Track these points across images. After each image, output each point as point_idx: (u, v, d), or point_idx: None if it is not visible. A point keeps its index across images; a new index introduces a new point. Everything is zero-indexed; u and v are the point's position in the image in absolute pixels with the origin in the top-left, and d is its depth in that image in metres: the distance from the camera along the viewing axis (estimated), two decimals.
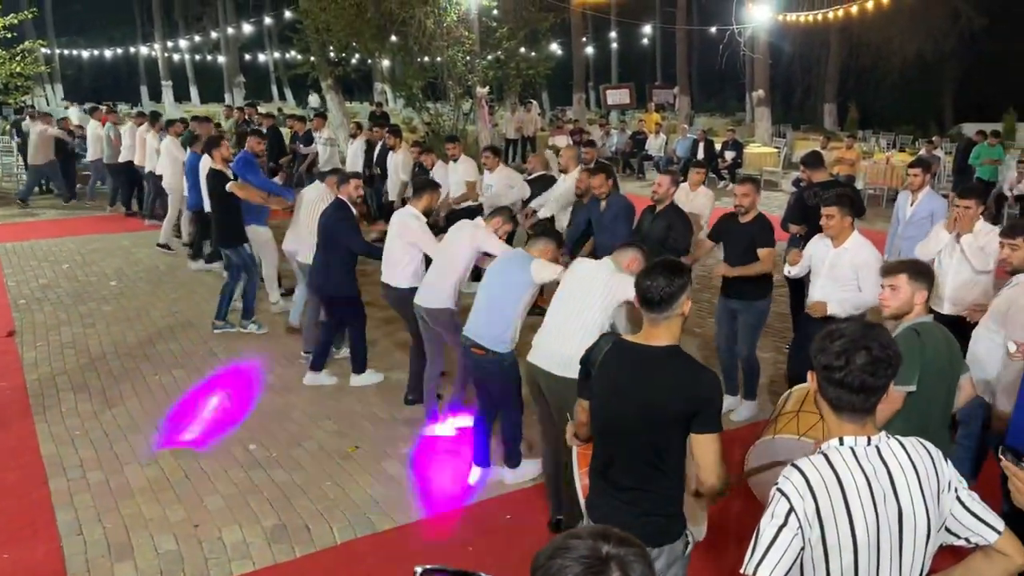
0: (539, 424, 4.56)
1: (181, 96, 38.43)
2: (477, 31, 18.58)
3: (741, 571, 1.97)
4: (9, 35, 19.33)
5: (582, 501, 3.14)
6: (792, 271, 5.54)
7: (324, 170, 12.76)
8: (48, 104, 31.74)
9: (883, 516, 1.96)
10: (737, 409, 5.90)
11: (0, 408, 6.02)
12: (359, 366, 6.50)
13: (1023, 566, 2.07)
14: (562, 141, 17.91)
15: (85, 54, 33.28)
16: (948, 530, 2.05)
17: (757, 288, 5.71)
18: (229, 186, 7.41)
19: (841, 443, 2.03)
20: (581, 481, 3.23)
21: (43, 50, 23.93)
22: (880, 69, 29.79)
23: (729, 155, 17.98)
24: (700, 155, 18.09)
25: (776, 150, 20.07)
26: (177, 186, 10.61)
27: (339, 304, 6.35)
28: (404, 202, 7.60)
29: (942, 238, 5.51)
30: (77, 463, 5.19)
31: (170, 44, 35.20)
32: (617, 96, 29.76)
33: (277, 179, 9.21)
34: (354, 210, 6.35)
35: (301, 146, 13.78)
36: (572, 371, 3.22)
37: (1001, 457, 2.39)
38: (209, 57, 38.83)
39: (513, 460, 4.99)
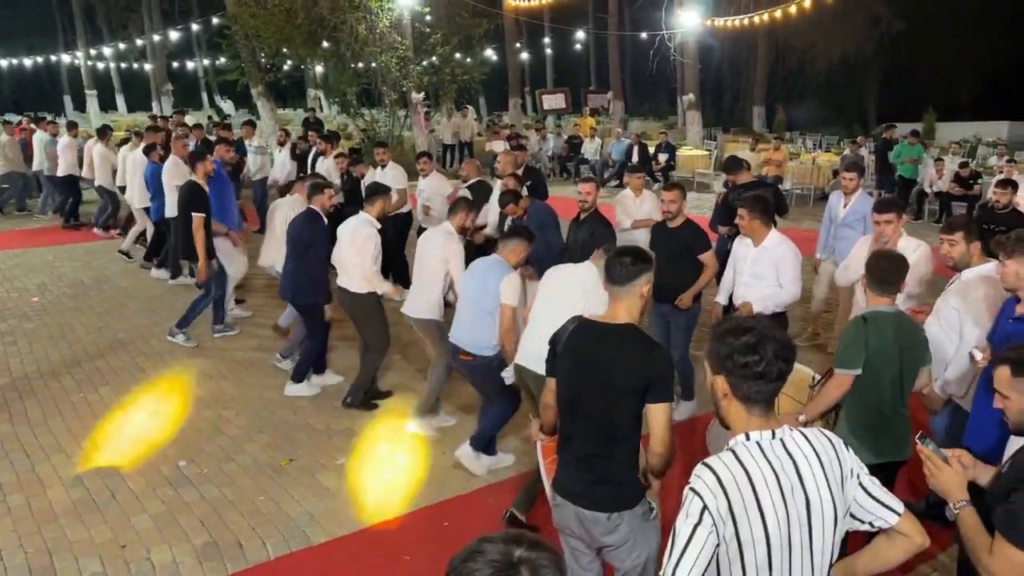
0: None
1: (107, 105, 37.25)
2: (410, 37, 18.54)
3: (660, 574, 2.00)
4: None
5: (548, 486, 3.24)
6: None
7: (255, 178, 12.59)
8: None
9: (792, 507, 2.01)
10: (677, 409, 5.99)
11: None
12: (300, 375, 6.46)
13: (923, 545, 2.16)
14: (499, 146, 17.97)
15: (3, 63, 32.06)
16: (852, 516, 2.12)
17: (675, 295, 5.79)
18: (195, 221, 7.20)
19: (748, 438, 2.07)
20: (547, 469, 3.35)
21: None
22: (806, 73, 30.77)
23: (663, 157, 18.27)
24: (635, 158, 18.36)
25: (707, 152, 20.48)
26: (140, 198, 10.45)
27: (309, 312, 6.35)
28: (338, 208, 7.49)
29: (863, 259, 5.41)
30: None
31: (94, 52, 34.17)
32: (553, 101, 29.99)
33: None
34: (325, 220, 6.32)
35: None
36: None
37: (918, 442, 2.48)
38: (135, 65, 37.71)
39: (479, 443, 5.09)
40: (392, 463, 5.34)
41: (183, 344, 7.55)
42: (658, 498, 3.13)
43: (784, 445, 2.06)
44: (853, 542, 2.20)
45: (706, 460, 2.06)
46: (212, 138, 12.24)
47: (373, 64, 19.06)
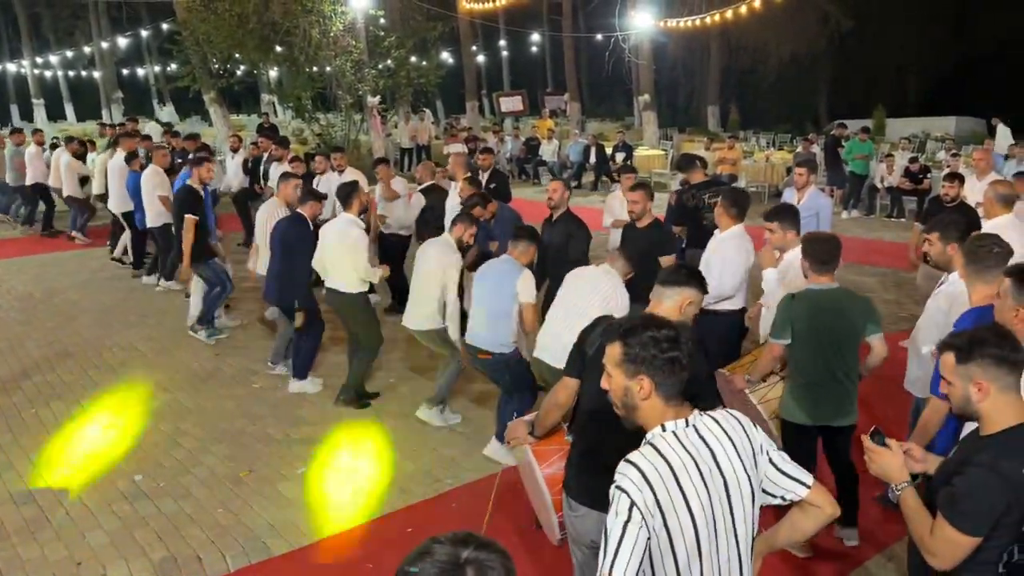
0: None
1: (55, 114, 36.37)
2: (365, 40, 18.42)
3: (597, 574, 2.02)
4: None
5: (548, 496, 3.24)
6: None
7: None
8: None
9: (713, 490, 2.08)
10: None
11: None
12: (302, 372, 6.54)
13: (833, 515, 2.26)
14: (457, 149, 17.95)
15: None
16: (765, 491, 2.21)
17: (646, 292, 5.83)
18: (187, 222, 7.36)
19: (664, 429, 2.13)
20: (548, 481, 3.33)
21: None
22: (758, 72, 31.24)
23: (620, 157, 18.39)
24: (592, 159, 18.45)
25: (664, 152, 20.67)
26: (120, 204, 10.31)
27: (295, 313, 6.39)
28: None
29: (771, 279, 5.05)
30: None
31: (40, 60, 33.36)
32: (510, 103, 30.09)
33: None
34: (311, 226, 6.41)
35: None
36: None
37: (865, 436, 2.54)
38: (84, 73, 36.88)
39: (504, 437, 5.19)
40: (354, 471, 5.29)
41: (205, 340, 7.73)
42: None
43: (697, 431, 2.13)
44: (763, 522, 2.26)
45: (628, 456, 2.10)
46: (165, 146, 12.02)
47: (328, 68, 18.91)
